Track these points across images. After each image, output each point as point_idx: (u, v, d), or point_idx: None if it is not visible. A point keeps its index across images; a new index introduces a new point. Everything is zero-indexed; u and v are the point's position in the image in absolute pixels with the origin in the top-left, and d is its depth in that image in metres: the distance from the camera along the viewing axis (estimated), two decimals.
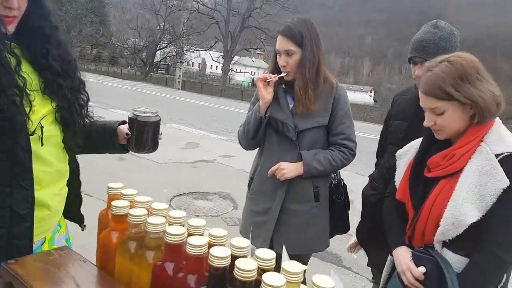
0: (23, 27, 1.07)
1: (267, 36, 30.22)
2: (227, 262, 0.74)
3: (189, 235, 0.84)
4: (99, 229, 1.03)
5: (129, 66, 41.39)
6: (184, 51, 34.89)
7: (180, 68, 32.23)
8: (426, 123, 1.42)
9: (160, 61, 39.30)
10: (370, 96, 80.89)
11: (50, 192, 1.17)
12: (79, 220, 1.40)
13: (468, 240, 1.32)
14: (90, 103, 1.30)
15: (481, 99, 1.30)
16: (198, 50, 36.41)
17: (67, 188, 1.28)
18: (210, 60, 40.54)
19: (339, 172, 2.16)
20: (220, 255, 0.73)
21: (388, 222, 1.64)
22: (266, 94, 1.93)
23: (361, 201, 2.14)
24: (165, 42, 36.98)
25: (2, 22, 0.99)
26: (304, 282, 0.77)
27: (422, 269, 1.37)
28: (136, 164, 5.65)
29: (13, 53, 1.03)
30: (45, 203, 1.15)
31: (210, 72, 57.99)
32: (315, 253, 2.25)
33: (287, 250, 2.04)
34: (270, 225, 2.02)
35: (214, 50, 39.10)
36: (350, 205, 2.16)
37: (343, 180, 2.17)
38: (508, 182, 1.26)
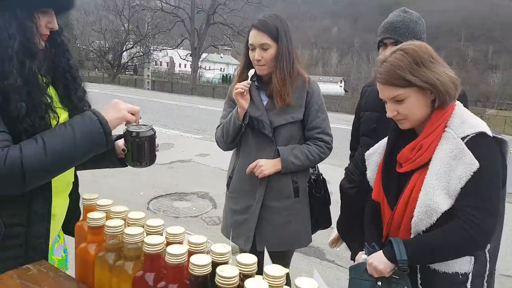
0: (49, 39, 1.22)
1: (233, 31, 30.09)
2: (207, 270, 0.75)
3: (168, 243, 0.84)
4: (76, 242, 1.02)
5: (96, 69, 40.25)
6: (151, 51, 34.26)
7: (148, 68, 31.63)
8: (388, 114, 1.42)
9: (127, 62, 38.45)
10: (341, 86, 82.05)
11: (57, 201, 1.21)
12: None
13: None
14: None
15: (439, 81, 1.31)
16: (165, 49, 35.83)
17: (69, 199, 1.31)
18: (178, 59, 39.94)
19: (317, 167, 2.16)
20: (200, 263, 0.74)
21: (365, 225, 1.65)
22: (243, 103, 1.91)
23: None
24: (131, 43, 36.17)
25: (43, 38, 1.17)
26: (288, 284, 0.77)
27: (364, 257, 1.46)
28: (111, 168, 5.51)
29: (45, 75, 1.18)
30: (51, 212, 1.19)
31: (179, 70, 57.18)
32: (297, 248, 2.27)
33: (270, 247, 2.05)
34: (251, 224, 2.01)
35: (181, 48, 38.58)
36: (330, 198, 2.17)
37: (322, 174, 2.18)
38: (478, 164, 1.25)
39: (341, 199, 2.21)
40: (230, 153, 2.21)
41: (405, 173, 1.42)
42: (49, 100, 1.16)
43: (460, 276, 1.35)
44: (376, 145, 1.63)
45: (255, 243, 2.02)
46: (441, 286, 1.37)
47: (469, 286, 1.35)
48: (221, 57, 66.98)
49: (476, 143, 1.29)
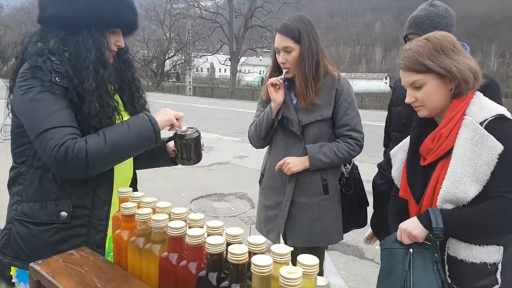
0: (117, 55, 1.47)
1: (271, 33, 30.22)
2: (221, 248, 0.83)
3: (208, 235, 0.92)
4: (113, 229, 1.14)
5: (141, 78, 42.01)
6: (192, 58, 35.24)
7: (190, 75, 32.57)
8: (407, 100, 1.44)
9: (170, 70, 39.76)
10: (386, 83, 79.23)
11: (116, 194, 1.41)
12: None
13: None
14: None
15: (456, 69, 1.33)
16: (205, 55, 36.70)
17: None
18: (218, 64, 40.81)
19: (353, 163, 2.16)
20: (215, 242, 0.82)
21: (390, 224, 1.66)
22: (277, 97, 1.98)
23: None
24: (173, 51, 37.40)
25: (112, 54, 1.41)
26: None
27: None
28: (155, 171, 5.78)
29: (113, 84, 1.42)
30: (112, 200, 1.42)
31: (219, 75, 58.27)
32: (333, 245, 2.26)
33: (300, 243, 2.06)
34: (281, 219, 2.07)
35: (221, 53, 39.32)
36: (367, 197, 2.15)
37: (358, 173, 2.17)
38: (502, 146, 1.25)
39: (373, 195, 2.21)
40: None
41: (429, 165, 1.42)
42: (115, 104, 1.39)
43: (489, 266, 1.34)
44: (401, 143, 1.64)
45: (285, 238, 2.08)
46: (470, 276, 1.36)
47: (499, 276, 1.33)
48: (260, 59, 67.40)
49: (495, 125, 1.29)
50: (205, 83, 43.41)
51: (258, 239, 0.84)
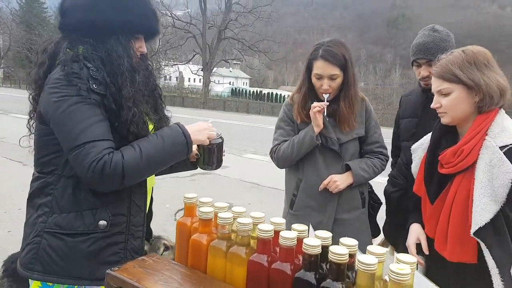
0: (140, 61, 1.45)
1: (243, 46, 30.61)
2: (319, 249, 0.89)
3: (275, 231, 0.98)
4: (178, 236, 1.15)
5: None
6: (162, 66, 34.85)
7: (159, 84, 32.18)
8: (432, 105, 1.53)
9: None
10: None
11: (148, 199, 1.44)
12: (148, 234, 1.56)
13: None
14: None
15: (484, 83, 1.40)
16: (176, 64, 36.40)
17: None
18: (188, 73, 40.59)
19: None
20: (313, 244, 0.88)
21: (409, 211, 1.77)
22: (320, 121, 1.96)
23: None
24: None
25: (137, 60, 1.40)
26: None
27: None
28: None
29: (143, 89, 1.42)
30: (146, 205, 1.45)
31: (188, 85, 57.83)
32: None
33: None
34: None
35: (191, 63, 39.18)
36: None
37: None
38: None
39: (386, 204, 2.31)
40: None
41: (447, 174, 1.51)
42: (147, 110, 1.41)
43: None
44: (421, 140, 1.74)
45: None
46: None
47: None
48: (230, 71, 67.72)
49: None
50: (174, 92, 42.95)
51: (351, 241, 0.91)
